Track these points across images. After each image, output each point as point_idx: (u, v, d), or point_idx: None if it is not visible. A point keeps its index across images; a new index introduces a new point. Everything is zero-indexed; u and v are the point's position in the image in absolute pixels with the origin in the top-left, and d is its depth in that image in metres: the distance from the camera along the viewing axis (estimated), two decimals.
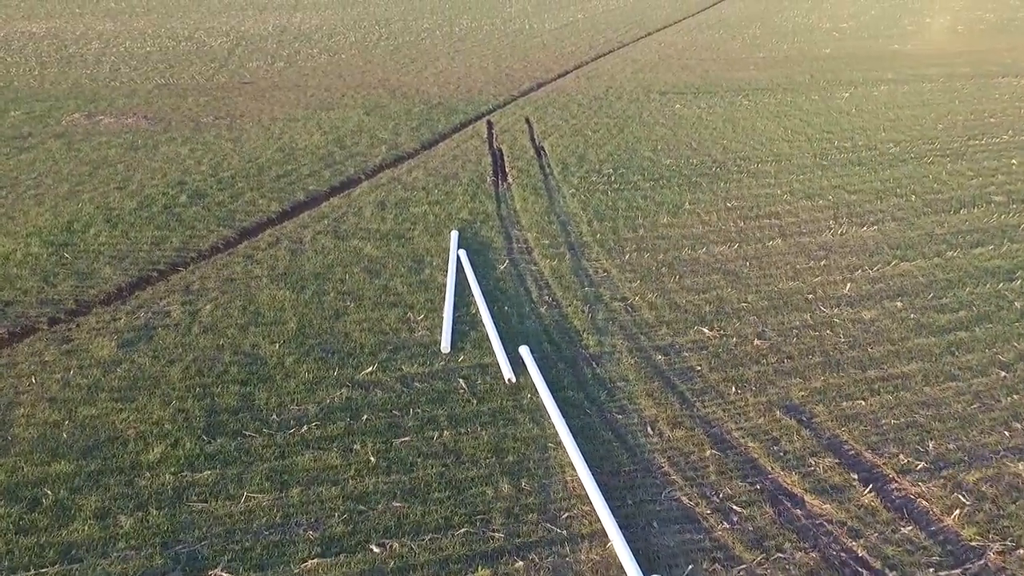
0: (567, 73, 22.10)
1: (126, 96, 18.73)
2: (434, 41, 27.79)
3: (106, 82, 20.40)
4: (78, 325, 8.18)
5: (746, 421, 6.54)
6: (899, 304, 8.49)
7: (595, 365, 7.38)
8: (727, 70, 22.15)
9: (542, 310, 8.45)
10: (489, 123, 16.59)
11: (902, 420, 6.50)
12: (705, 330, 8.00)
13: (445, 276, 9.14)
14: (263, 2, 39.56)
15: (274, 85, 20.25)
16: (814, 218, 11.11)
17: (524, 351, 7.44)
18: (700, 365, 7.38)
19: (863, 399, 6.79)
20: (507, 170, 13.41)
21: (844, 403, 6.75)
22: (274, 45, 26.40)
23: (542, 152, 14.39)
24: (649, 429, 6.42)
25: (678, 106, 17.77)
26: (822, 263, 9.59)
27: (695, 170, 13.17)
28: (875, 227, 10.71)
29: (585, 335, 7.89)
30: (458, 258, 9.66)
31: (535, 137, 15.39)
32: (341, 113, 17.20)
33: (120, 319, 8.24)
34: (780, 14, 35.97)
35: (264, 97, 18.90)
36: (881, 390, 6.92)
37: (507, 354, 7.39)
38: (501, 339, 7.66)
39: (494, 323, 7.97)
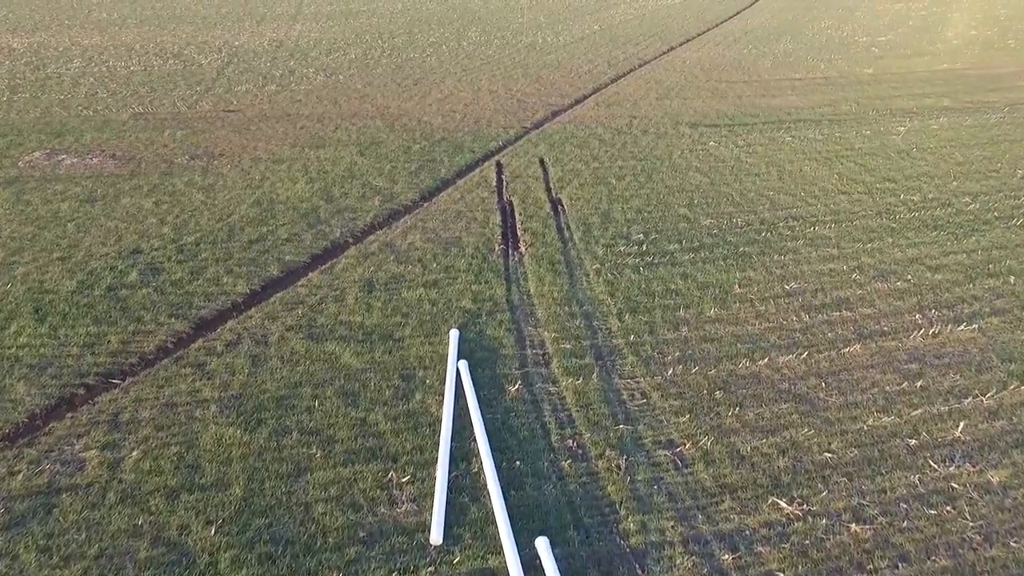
0: (585, 98, 20.13)
1: (97, 129, 16.94)
2: (440, 58, 25.89)
3: (78, 111, 18.61)
4: None
5: None
6: None
7: (639, 570, 5.45)
8: (762, 95, 20.10)
9: (564, 464, 6.51)
10: (499, 165, 14.68)
11: None
12: (782, 503, 6.05)
13: (440, 403, 7.24)
14: (262, 12, 37.78)
15: (261, 114, 18.41)
16: (895, 309, 9.11)
17: (542, 546, 5.53)
18: (783, 569, 5.44)
19: None
20: (519, 233, 11.47)
21: None
22: (268, 63, 24.57)
23: (560, 207, 12.44)
24: None
25: (712, 143, 15.77)
26: (918, 384, 7.60)
27: (741, 235, 11.18)
28: (974, 325, 8.68)
29: (623, 511, 5.96)
30: (457, 372, 7.75)
31: (551, 186, 13.45)
32: (332, 152, 15.33)
33: (19, 472, 6.37)
34: (810, 25, 33.79)
35: (249, 130, 17.06)
36: None
37: (519, 551, 5.48)
38: (511, 521, 5.75)
39: (502, 493, 6.06)
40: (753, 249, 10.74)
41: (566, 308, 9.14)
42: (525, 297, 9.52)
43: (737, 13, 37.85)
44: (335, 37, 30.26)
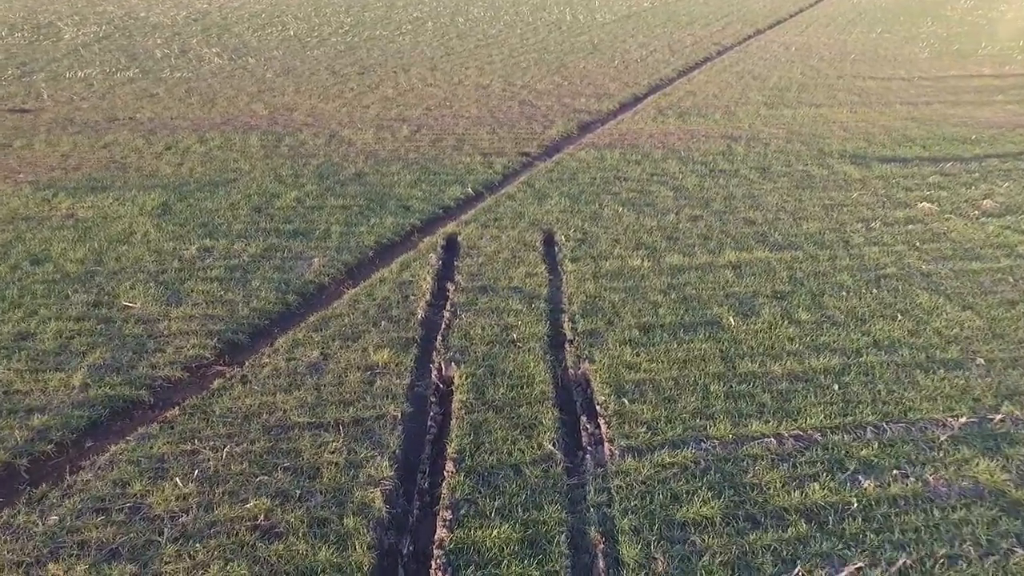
0: (638, 100, 11.92)
1: None
2: (418, 37, 17.88)
3: None
4: None
5: None
6: None
7: None
8: (953, 103, 11.57)
9: None
10: (450, 244, 6.65)
11: None
12: None
13: None
14: None
15: (64, 118, 10.51)
16: None
17: None
18: None
19: None
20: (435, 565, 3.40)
21: None
22: (161, 40, 16.77)
23: (590, 439, 4.33)
24: None
25: (924, 203, 7.40)
26: None
27: None
28: None
29: None
30: None
31: (565, 325, 5.28)
32: (108, 204, 7.28)
33: None
34: (946, 6, 24.97)
35: (9, 147, 9.26)
36: None
37: None
38: None
39: None
40: None
41: None
42: None
43: None
44: (284, 7, 22.43)
